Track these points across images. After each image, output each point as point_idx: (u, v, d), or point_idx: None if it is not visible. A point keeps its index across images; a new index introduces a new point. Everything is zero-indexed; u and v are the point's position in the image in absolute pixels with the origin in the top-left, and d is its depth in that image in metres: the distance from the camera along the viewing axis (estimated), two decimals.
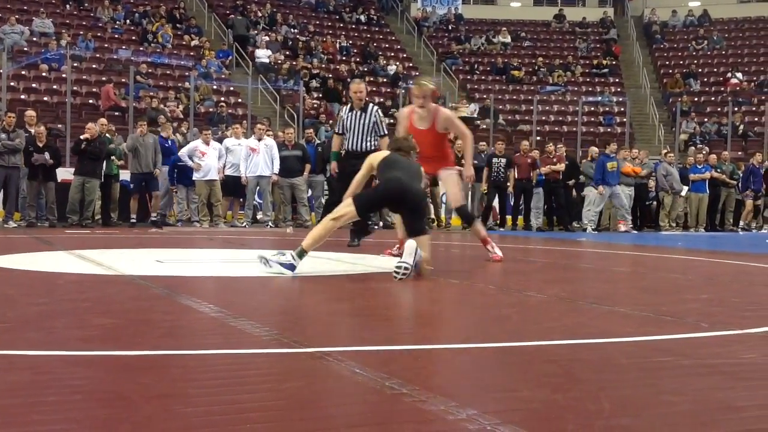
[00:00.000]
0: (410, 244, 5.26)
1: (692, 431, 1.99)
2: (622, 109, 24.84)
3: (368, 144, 8.24)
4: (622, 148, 16.94)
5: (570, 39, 31.00)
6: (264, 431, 1.87)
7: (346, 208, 5.60)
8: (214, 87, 21.58)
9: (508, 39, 29.99)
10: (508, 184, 15.63)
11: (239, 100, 21.58)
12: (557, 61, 28.77)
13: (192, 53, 23.34)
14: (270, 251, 5.72)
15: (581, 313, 4.13)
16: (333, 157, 8.67)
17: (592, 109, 25.80)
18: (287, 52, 25.00)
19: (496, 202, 16.07)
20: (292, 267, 5.30)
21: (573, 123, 23.87)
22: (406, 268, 5.09)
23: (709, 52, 29.55)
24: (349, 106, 8.53)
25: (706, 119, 24.72)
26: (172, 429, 1.87)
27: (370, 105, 8.41)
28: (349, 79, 24.02)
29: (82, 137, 12.79)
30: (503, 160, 15.49)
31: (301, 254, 5.37)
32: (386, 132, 8.42)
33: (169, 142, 14.22)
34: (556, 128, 24.31)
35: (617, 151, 15.91)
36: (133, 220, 13.70)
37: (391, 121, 15.38)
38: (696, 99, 26.33)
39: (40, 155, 12.44)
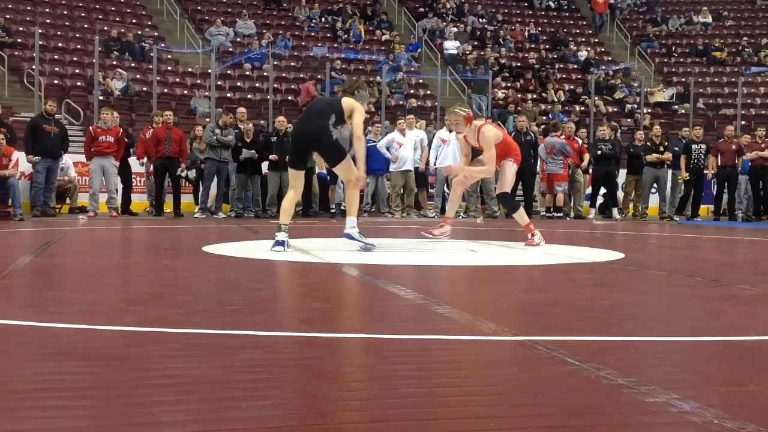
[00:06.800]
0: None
1: None
2: None
3: None
4: None
5: None
6: (486, 413, 1.92)
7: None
8: (404, 79, 21.97)
9: (709, 18, 28.35)
10: (707, 171, 14.87)
11: (428, 92, 21.86)
12: (764, 40, 26.85)
13: (383, 47, 23.91)
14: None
15: None
16: None
17: None
18: (475, 43, 25.00)
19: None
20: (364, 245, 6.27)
21: None
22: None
23: None
24: None
25: None
26: (397, 407, 1.96)
27: None
28: (537, 66, 23.71)
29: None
30: (703, 146, 14.74)
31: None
32: None
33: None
34: (764, 111, 22.74)
35: None
36: (333, 210, 14.26)
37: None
38: None
39: (248, 151, 13.25)
